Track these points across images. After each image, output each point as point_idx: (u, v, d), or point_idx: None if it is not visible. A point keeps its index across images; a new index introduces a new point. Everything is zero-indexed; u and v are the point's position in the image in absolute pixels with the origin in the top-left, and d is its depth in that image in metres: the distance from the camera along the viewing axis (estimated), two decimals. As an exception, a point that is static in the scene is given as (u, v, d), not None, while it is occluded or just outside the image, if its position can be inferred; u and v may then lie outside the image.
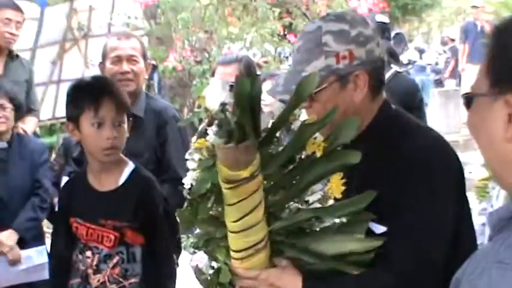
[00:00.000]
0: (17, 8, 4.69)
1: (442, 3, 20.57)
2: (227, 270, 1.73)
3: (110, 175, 2.55)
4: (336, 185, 1.71)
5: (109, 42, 3.46)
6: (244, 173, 1.61)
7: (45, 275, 3.87)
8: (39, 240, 3.92)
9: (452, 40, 13.56)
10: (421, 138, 1.84)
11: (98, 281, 2.53)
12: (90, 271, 2.56)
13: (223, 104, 1.64)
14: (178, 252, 3.47)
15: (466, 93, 1.22)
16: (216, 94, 1.69)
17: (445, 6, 21.09)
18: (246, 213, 1.65)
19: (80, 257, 2.57)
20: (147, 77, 3.60)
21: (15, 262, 3.73)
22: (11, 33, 4.62)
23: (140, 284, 2.50)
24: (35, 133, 6.29)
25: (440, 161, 1.80)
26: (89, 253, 2.55)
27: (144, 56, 3.46)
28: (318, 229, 1.72)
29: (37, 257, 3.83)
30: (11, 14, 4.60)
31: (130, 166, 2.57)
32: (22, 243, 3.78)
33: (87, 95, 2.52)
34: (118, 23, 7.55)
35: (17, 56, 4.84)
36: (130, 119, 2.60)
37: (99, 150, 2.53)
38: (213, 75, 3.64)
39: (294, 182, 1.71)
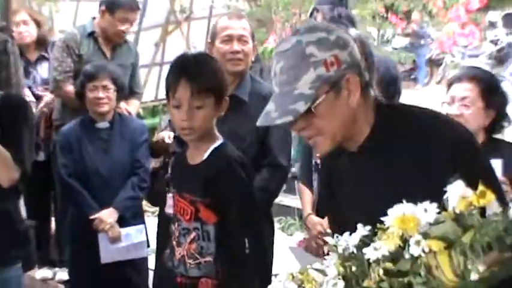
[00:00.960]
0: (136, 8, 4.80)
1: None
2: None
3: (199, 150, 2.56)
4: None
5: (220, 22, 3.46)
6: None
7: (144, 253, 4.00)
8: (138, 219, 4.01)
9: None
10: (439, 118, 1.88)
11: (180, 253, 2.57)
12: (174, 243, 2.61)
13: None
14: (271, 234, 3.51)
15: None
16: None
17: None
18: None
19: (172, 227, 2.64)
20: (253, 59, 3.59)
21: (115, 239, 3.83)
22: (124, 32, 4.77)
23: (215, 263, 2.52)
24: (138, 114, 6.46)
25: (468, 132, 1.86)
26: (175, 224, 2.60)
27: (253, 37, 3.45)
28: None
29: (136, 235, 3.92)
30: (129, 14, 4.72)
31: (217, 143, 2.57)
32: (122, 222, 3.88)
33: (171, 75, 2.55)
34: (219, 5, 7.61)
35: (125, 41, 4.94)
36: (226, 98, 2.58)
37: (179, 130, 2.60)
38: None
39: None
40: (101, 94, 3.92)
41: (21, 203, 5.06)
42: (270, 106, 1.82)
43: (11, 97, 3.04)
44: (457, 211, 1.50)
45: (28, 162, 2.93)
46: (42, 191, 5.00)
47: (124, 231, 3.87)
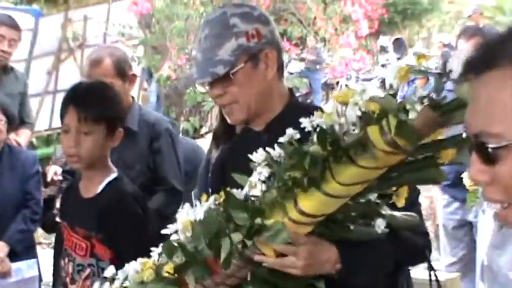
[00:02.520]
0: (12, 26, 4.61)
1: (442, 8, 20.55)
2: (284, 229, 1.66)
3: (92, 183, 2.51)
4: (402, 195, 1.72)
5: (85, 65, 3.48)
6: (408, 146, 1.54)
7: (36, 288, 3.88)
8: (30, 252, 3.90)
9: (445, 45, 13.53)
10: None
11: None
12: (68, 280, 2.54)
13: None
14: None
15: (497, 147, 0.98)
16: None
17: (444, 11, 21.07)
18: (357, 183, 1.60)
19: (62, 263, 2.57)
20: (133, 88, 3.57)
21: (5, 274, 3.71)
22: (2, 51, 4.57)
23: None
24: (31, 144, 6.31)
25: None
26: (66, 260, 2.54)
27: (122, 74, 3.37)
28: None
29: (27, 270, 3.81)
30: (4, 31, 4.56)
31: (111, 176, 2.54)
32: (13, 256, 3.76)
33: (62, 101, 2.52)
34: (113, 32, 7.56)
35: (12, 68, 4.81)
36: (120, 129, 2.55)
37: (66, 157, 2.57)
38: None
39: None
40: (-10, 127, 3.81)
41: None
42: (193, 71, 1.96)
43: None
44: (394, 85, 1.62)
45: None
46: None
47: (15, 265, 3.75)
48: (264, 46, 1.92)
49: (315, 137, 1.61)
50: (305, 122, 1.65)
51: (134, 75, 3.52)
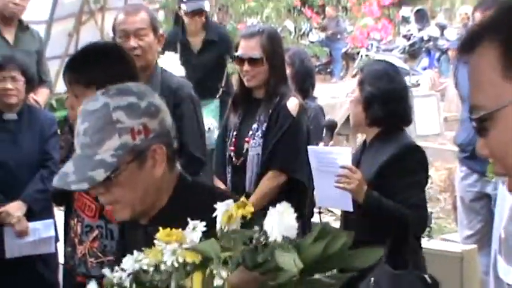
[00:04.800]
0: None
1: (466, -21, 20.25)
2: None
3: None
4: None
5: (118, 16, 3.42)
6: None
7: (52, 248, 3.91)
8: (47, 213, 3.92)
9: (469, 18, 13.37)
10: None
11: (81, 252, 2.51)
12: (76, 240, 2.55)
13: None
14: None
15: (482, 116, 1.04)
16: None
17: (468, -18, 20.78)
18: None
19: (71, 223, 2.58)
20: (160, 49, 3.54)
21: (22, 234, 3.74)
22: (15, 3, 4.60)
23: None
24: (50, 105, 6.32)
25: None
26: (75, 220, 2.54)
27: (154, 29, 3.39)
28: None
29: (44, 230, 3.84)
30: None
31: None
32: (30, 215, 3.79)
33: None
34: (134, -5, 7.50)
35: (27, 27, 4.83)
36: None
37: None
38: (236, 49, 3.57)
39: None
40: (9, 85, 3.83)
41: None
42: (69, 167, 1.71)
43: None
44: (222, 226, 1.52)
45: None
46: None
47: (32, 225, 3.78)
48: (151, 142, 1.72)
49: None
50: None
51: (162, 35, 3.51)
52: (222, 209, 1.54)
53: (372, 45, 15.38)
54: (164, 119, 1.76)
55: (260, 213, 1.54)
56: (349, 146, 4.06)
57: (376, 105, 3.03)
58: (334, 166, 2.93)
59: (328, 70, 16.89)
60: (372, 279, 2.82)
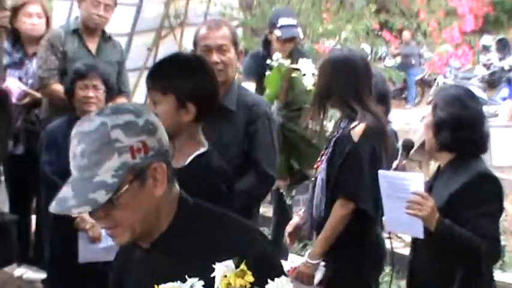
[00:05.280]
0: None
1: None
2: None
3: (182, 154, 2.52)
4: None
5: (200, 31, 3.44)
6: None
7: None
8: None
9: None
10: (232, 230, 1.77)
11: None
12: None
13: None
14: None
15: None
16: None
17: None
18: None
19: None
20: (239, 65, 3.57)
21: (95, 239, 3.81)
22: (98, 16, 4.75)
23: None
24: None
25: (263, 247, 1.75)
26: None
27: (235, 44, 3.41)
28: None
29: (116, 236, 3.89)
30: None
31: (201, 150, 2.54)
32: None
33: None
34: (214, 12, 7.61)
35: (110, 37, 4.97)
36: (191, 104, 2.49)
37: None
38: None
39: None
40: (90, 93, 3.93)
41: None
42: (67, 191, 1.64)
43: None
44: None
45: (1, 154, 2.90)
46: (22, 186, 4.99)
47: (105, 231, 3.83)
48: (151, 160, 1.67)
49: None
50: None
51: (241, 51, 3.54)
52: (220, 272, 1.51)
53: (450, 72, 15.17)
54: (162, 137, 1.72)
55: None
56: (422, 173, 4.00)
57: (445, 131, 2.98)
58: (406, 192, 2.88)
59: (403, 96, 16.73)
60: None
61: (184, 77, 2.47)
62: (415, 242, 3.14)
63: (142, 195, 1.67)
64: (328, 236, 3.36)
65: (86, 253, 3.81)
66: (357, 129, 3.34)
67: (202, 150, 2.53)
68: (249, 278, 1.49)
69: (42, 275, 4.70)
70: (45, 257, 4.33)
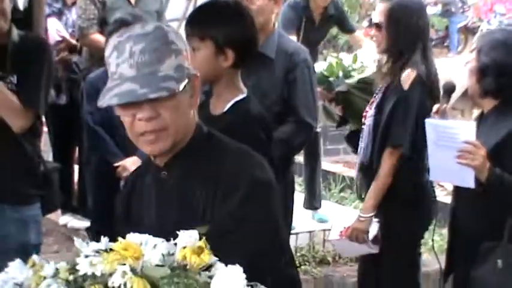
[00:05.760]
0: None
1: None
2: None
3: (220, 101, 2.52)
4: None
5: None
6: None
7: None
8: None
9: None
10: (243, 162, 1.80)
11: None
12: None
13: None
14: (290, 194, 3.52)
15: None
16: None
17: None
18: None
19: None
20: (276, 11, 3.53)
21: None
22: None
23: None
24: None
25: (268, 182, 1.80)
26: None
27: None
28: None
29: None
30: None
31: (240, 97, 2.52)
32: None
33: None
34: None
35: None
36: (229, 51, 2.47)
37: None
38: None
39: None
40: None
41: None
42: (129, 86, 1.66)
43: (29, 37, 3.04)
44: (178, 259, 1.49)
45: (43, 105, 2.94)
46: (65, 136, 5.06)
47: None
48: (193, 71, 1.77)
49: None
50: None
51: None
52: (182, 242, 1.52)
53: (495, 17, 14.83)
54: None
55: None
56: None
57: (489, 76, 2.91)
58: (456, 141, 2.82)
59: (445, 44, 16.46)
60: (499, 261, 2.72)
61: (222, 23, 2.45)
62: (457, 190, 3.11)
63: (185, 101, 1.73)
64: (379, 186, 3.34)
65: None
66: (408, 77, 3.30)
67: (241, 96, 2.52)
68: (206, 257, 1.49)
69: (86, 223, 4.79)
70: (88, 206, 4.41)
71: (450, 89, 3.19)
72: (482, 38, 3.14)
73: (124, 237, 1.54)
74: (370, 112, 3.42)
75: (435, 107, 3.13)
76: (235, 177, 1.73)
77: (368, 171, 3.43)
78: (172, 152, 1.77)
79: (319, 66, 4.20)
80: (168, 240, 1.54)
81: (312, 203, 5.27)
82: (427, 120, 3.03)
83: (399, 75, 3.32)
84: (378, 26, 3.38)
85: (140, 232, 1.57)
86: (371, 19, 3.39)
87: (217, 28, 2.44)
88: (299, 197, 5.42)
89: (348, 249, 3.57)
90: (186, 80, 1.71)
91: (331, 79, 4.00)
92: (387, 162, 3.32)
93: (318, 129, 4.73)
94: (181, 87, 1.68)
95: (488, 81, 2.92)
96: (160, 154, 1.77)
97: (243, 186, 1.71)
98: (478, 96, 3.00)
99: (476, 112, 3.52)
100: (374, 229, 3.38)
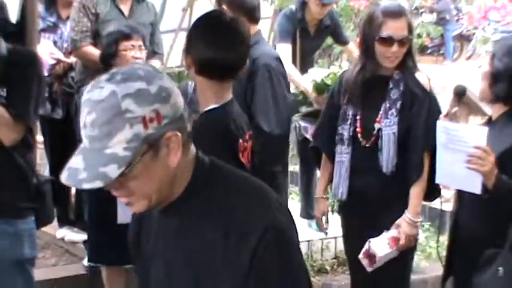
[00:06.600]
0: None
1: None
2: None
3: (201, 106, 2.69)
4: None
5: None
6: None
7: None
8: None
9: None
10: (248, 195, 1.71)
11: None
12: None
13: None
14: None
15: None
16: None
17: None
18: None
19: None
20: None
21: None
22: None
23: None
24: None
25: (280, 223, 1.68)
26: None
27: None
28: None
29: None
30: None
31: (210, 107, 2.67)
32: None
33: None
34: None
35: None
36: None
37: None
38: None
39: None
40: (138, 54, 3.93)
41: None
42: (77, 161, 1.58)
43: (20, 51, 3.03)
44: None
45: (33, 118, 2.94)
46: (62, 149, 5.04)
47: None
48: (165, 129, 1.58)
49: None
50: None
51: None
52: None
53: (489, 24, 14.86)
54: (176, 102, 1.62)
55: None
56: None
57: (501, 82, 2.90)
58: (466, 145, 2.80)
59: (441, 52, 16.49)
60: (500, 268, 2.68)
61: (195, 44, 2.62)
62: (460, 196, 3.08)
63: (156, 165, 1.60)
64: (423, 189, 3.30)
65: (125, 214, 3.83)
66: (425, 80, 3.31)
67: (212, 106, 2.65)
68: None
69: (84, 236, 4.77)
70: (85, 219, 4.40)
71: (460, 92, 3.16)
72: (497, 43, 3.14)
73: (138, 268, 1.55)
74: (388, 120, 3.33)
75: (444, 111, 3.13)
76: (245, 225, 1.63)
77: (394, 179, 3.32)
78: (167, 202, 1.69)
79: (314, 74, 4.21)
80: None
81: (309, 212, 5.25)
82: (439, 122, 3.01)
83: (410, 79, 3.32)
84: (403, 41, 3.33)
85: (149, 266, 1.67)
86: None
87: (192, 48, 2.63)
88: (295, 206, 5.42)
89: (387, 258, 3.42)
90: (144, 148, 1.57)
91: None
92: (427, 166, 3.27)
93: None
94: (129, 166, 1.55)
95: (500, 87, 2.91)
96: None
97: (254, 237, 1.61)
98: (489, 101, 2.99)
99: (472, 119, 3.51)
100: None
